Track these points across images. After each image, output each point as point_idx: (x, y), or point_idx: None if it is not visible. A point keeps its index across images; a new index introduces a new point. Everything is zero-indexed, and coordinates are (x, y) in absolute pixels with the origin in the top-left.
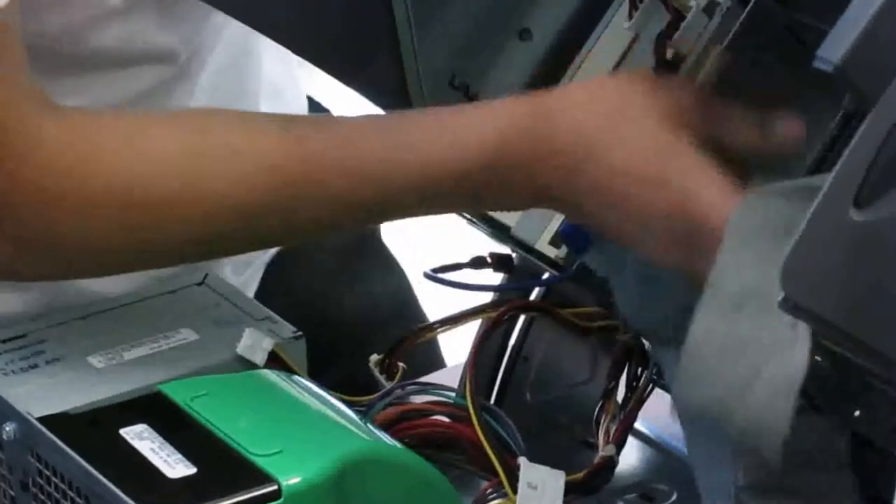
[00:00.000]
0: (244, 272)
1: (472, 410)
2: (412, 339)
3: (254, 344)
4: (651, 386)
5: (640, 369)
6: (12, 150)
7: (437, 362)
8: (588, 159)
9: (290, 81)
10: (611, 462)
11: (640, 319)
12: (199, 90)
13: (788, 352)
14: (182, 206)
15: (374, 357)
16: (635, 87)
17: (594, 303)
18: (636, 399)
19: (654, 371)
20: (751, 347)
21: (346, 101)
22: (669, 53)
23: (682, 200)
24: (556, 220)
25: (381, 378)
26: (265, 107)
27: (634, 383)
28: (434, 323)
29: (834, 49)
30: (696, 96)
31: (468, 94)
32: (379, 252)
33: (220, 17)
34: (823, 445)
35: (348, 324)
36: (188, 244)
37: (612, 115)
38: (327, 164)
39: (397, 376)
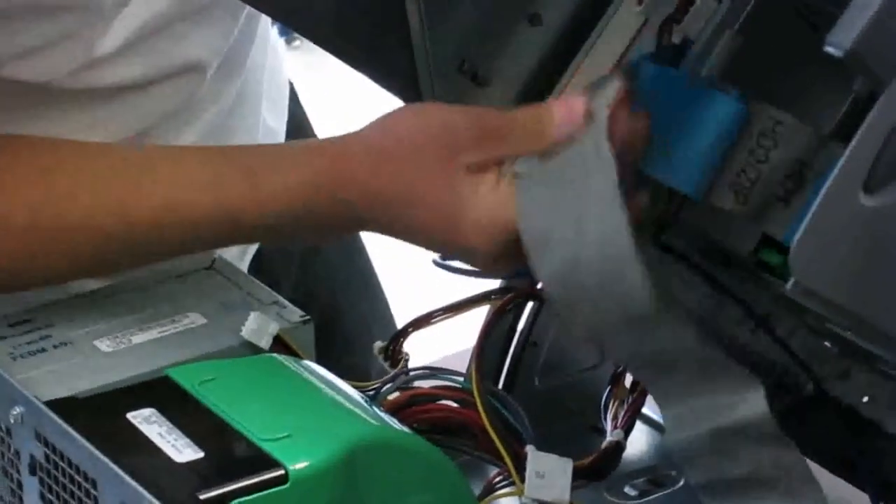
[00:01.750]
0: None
1: (477, 396)
2: (418, 325)
3: (259, 328)
4: None
5: None
6: None
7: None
8: (385, 207)
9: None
10: (619, 447)
11: None
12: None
13: (596, 178)
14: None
15: (379, 344)
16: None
17: None
18: (639, 386)
19: None
20: (568, 188)
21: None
22: (678, 38)
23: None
24: None
25: (385, 365)
26: (267, 117)
27: None
28: (440, 309)
29: (845, 33)
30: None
31: (477, 79)
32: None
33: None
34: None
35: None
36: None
37: (399, 170)
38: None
39: (401, 363)
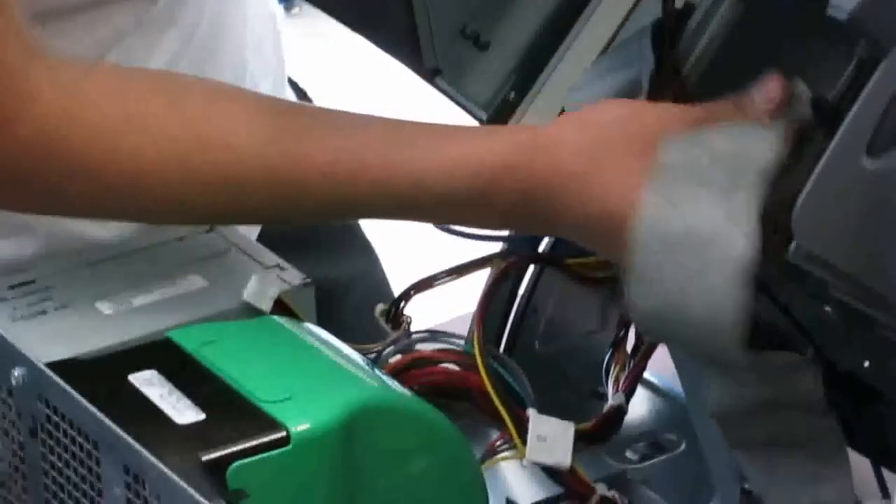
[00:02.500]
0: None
1: (479, 359)
2: (420, 288)
3: (260, 290)
4: None
5: None
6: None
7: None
8: (571, 194)
9: (271, 35)
10: (620, 411)
11: None
12: (179, 33)
13: (733, 243)
14: (176, 186)
15: (381, 307)
16: (621, 118)
17: None
18: (645, 348)
19: None
20: (693, 236)
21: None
22: (680, 2)
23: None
24: None
25: (387, 328)
26: (251, 60)
27: (639, 342)
28: (442, 272)
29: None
30: (680, 113)
31: (478, 44)
32: (354, 234)
33: None
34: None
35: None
36: (174, 215)
37: (595, 154)
38: (320, 167)
39: (403, 326)
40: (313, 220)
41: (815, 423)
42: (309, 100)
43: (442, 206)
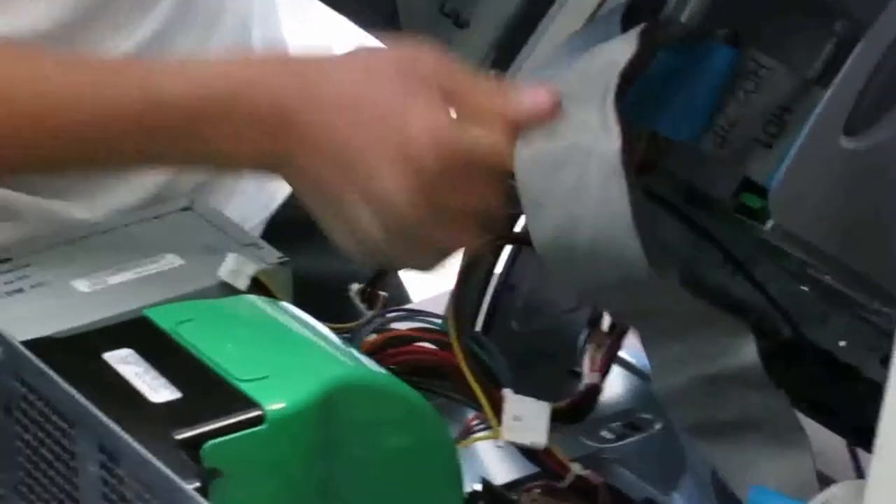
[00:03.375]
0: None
1: (454, 338)
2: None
3: (237, 269)
4: None
5: None
6: None
7: (401, 298)
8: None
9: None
10: (595, 390)
11: None
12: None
13: (602, 144)
14: None
15: (356, 286)
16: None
17: None
18: (621, 327)
19: None
20: (569, 157)
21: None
22: None
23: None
24: None
25: (363, 307)
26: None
27: None
28: None
29: None
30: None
31: (459, 21)
32: None
33: None
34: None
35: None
36: None
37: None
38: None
39: (378, 305)
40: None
41: (767, 403)
42: None
43: (179, 119)
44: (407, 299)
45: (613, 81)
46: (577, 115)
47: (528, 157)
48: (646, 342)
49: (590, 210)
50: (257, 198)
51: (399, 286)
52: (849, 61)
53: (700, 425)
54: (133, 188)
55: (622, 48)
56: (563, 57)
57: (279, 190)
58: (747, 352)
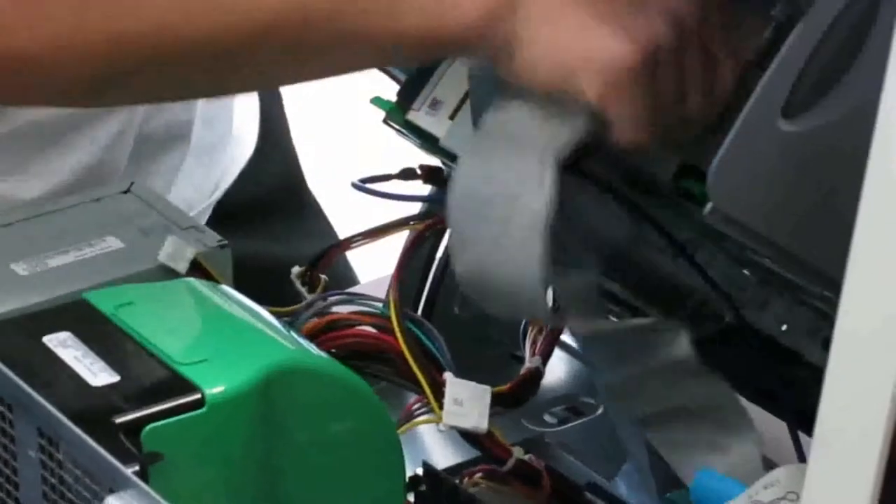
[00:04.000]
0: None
1: (395, 322)
2: (336, 251)
3: (176, 252)
4: None
5: None
6: None
7: (349, 280)
8: None
9: None
10: (537, 374)
11: None
12: None
13: (535, 193)
14: None
15: (296, 269)
16: None
17: None
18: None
19: None
20: (502, 195)
21: None
22: None
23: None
24: None
25: (303, 290)
26: None
27: None
28: (358, 235)
29: None
30: None
31: None
32: (310, 209)
33: None
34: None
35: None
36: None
37: None
38: None
39: (319, 289)
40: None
41: (710, 391)
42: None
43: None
44: (355, 280)
45: (566, 140)
46: (518, 161)
47: (461, 192)
48: (580, 344)
49: (508, 258)
50: (205, 181)
51: (346, 267)
52: (786, 44)
53: (645, 417)
54: (71, 165)
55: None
56: None
57: (226, 173)
58: (681, 344)
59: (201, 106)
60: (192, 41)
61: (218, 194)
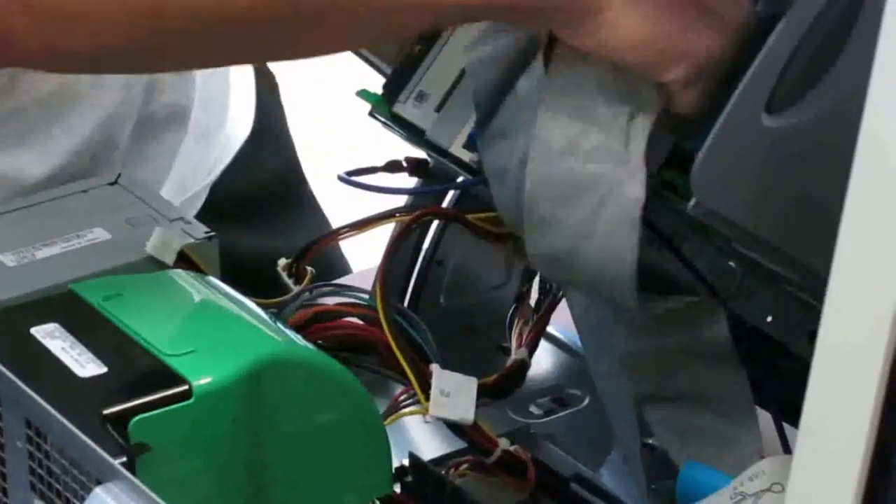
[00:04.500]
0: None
1: (381, 313)
2: (322, 243)
3: (163, 243)
4: None
5: (549, 284)
6: None
7: (343, 270)
8: None
9: None
10: (523, 365)
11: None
12: None
13: (625, 186)
14: None
15: (283, 261)
16: None
17: None
18: (549, 303)
19: None
20: (588, 188)
21: None
22: None
23: None
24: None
25: (290, 282)
26: None
27: (548, 286)
28: (345, 227)
29: None
30: None
31: None
32: (306, 202)
33: None
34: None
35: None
36: None
37: None
38: None
39: (306, 280)
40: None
41: (725, 380)
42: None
43: None
44: (348, 270)
45: (650, 119)
46: (600, 138)
47: (542, 173)
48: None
49: (594, 250)
50: (201, 163)
51: (340, 258)
52: (770, 39)
53: (652, 395)
54: (71, 143)
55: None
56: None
57: (222, 155)
58: (719, 327)
59: (199, 90)
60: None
61: (213, 176)
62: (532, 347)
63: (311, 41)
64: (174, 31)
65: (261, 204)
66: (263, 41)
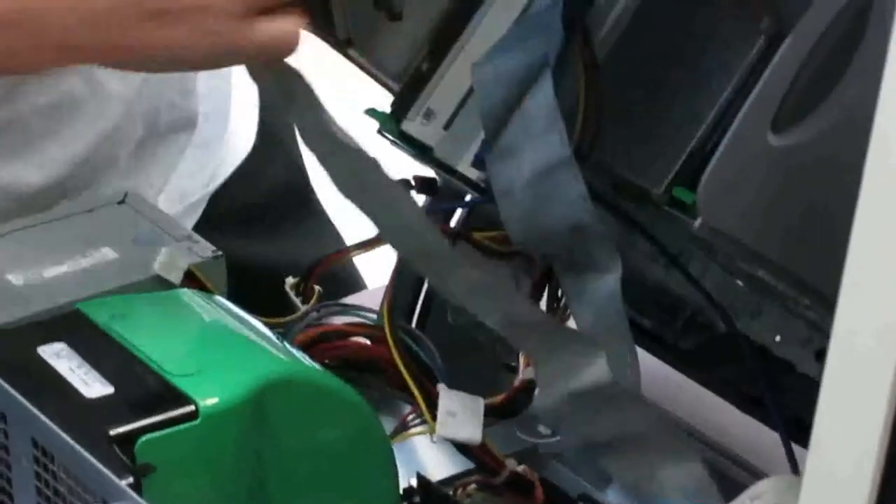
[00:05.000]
0: (179, 206)
1: (388, 333)
2: (329, 261)
3: (170, 262)
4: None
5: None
6: None
7: (357, 286)
8: None
9: None
10: (530, 385)
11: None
12: None
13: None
14: None
15: (290, 280)
16: None
17: None
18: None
19: None
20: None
21: None
22: None
23: None
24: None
25: (297, 301)
26: None
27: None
28: (353, 245)
29: None
30: None
31: (391, 14)
32: (313, 212)
33: None
34: None
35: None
36: None
37: None
38: None
39: (313, 299)
40: None
41: (645, 416)
42: None
43: None
44: (362, 285)
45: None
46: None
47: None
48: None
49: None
50: (201, 172)
51: (354, 274)
52: (775, 58)
53: (588, 445)
54: (70, 154)
55: None
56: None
57: (223, 165)
58: (598, 369)
59: (202, 102)
60: None
61: (213, 186)
62: None
63: None
64: None
65: (269, 213)
66: None
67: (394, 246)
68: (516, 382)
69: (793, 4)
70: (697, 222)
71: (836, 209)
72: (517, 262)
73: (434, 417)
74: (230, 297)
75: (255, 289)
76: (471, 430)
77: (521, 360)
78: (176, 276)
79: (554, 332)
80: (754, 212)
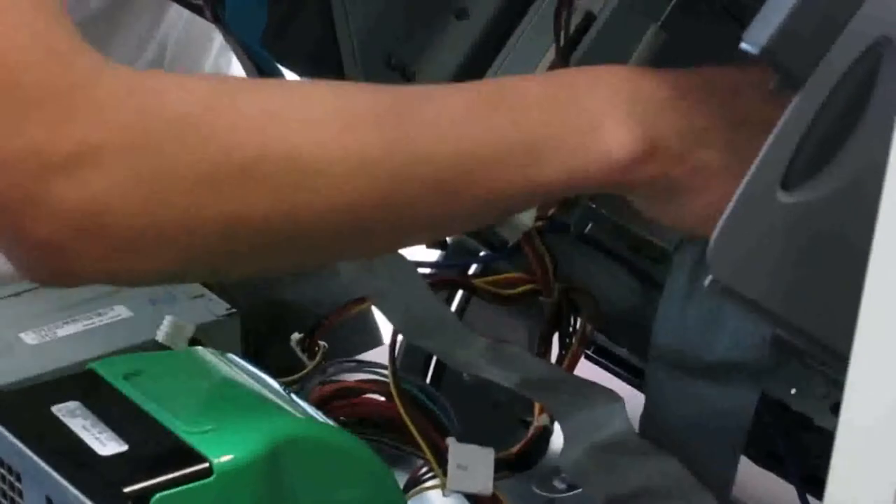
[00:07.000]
0: None
1: (394, 389)
2: (335, 317)
3: (174, 332)
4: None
5: (568, 339)
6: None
7: (374, 340)
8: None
9: None
10: (545, 433)
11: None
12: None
13: None
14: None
15: (296, 336)
16: None
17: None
18: (569, 360)
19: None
20: None
21: None
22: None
23: None
24: None
25: (304, 357)
26: None
27: (567, 340)
28: (358, 300)
29: (760, 31)
30: None
31: (405, 74)
32: None
33: None
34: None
35: (292, 311)
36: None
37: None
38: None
39: (318, 355)
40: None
41: (664, 469)
42: None
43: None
44: (380, 341)
45: None
46: None
47: None
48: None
49: None
50: None
51: (374, 327)
52: (785, 115)
53: (611, 499)
54: None
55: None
56: None
57: None
58: (619, 420)
59: None
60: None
61: None
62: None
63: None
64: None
65: None
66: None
67: (395, 325)
68: (530, 432)
69: (800, 61)
70: (707, 280)
71: (848, 266)
72: (527, 300)
73: (444, 471)
74: (245, 355)
75: (280, 326)
76: (482, 482)
77: (535, 409)
78: (181, 345)
79: (572, 386)
80: (764, 269)
